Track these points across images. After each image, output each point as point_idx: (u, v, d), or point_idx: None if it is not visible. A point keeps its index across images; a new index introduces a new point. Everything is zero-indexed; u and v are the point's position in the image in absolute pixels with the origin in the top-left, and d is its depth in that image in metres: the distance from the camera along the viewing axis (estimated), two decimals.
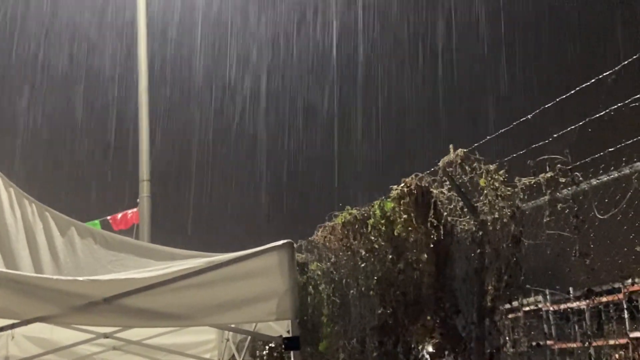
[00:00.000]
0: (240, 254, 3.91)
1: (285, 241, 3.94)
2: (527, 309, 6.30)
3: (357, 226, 6.58)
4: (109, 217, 14.02)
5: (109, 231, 13.65)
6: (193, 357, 6.45)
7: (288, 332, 4.12)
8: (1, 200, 4.88)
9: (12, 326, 3.78)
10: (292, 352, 4.05)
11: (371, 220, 6.27)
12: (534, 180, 4.70)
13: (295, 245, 8.26)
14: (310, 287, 7.95)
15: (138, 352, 6.77)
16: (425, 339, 5.65)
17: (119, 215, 13.96)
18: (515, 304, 5.19)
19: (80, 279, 3.71)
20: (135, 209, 13.35)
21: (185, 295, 3.73)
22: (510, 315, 5.27)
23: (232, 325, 4.64)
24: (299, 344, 3.97)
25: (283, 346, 4.06)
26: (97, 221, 13.94)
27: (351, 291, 6.90)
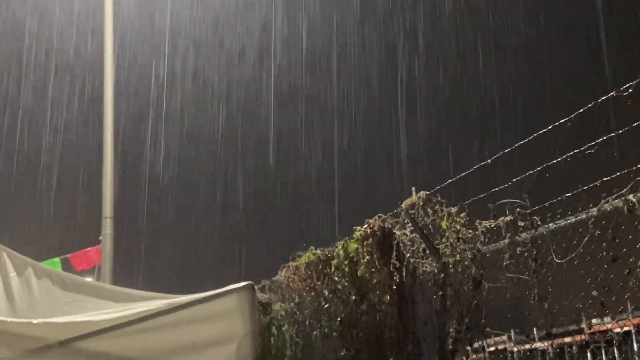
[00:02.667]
0: (199, 296, 3.86)
1: (245, 283, 3.91)
2: (492, 349, 6.33)
3: (320, 266, 6.57)
4: (69, 255, 13.75)
5: (70, 269, 13.52)
6: None
7: None
8: None
9: None
10: None
11: (335, 261, 6.28)
12: (494, 223, 4.76)
13: (257, 285, 8.22)
14: (274, 327, 7.89)
15: None
16: None
17: (81, 254, 13.70)
18: (478, 344, 5.22)
19: (35, 321, 3.63)
20: (97, 247, 13.14)
21: (143, 338, 3.67)
22: (474, 356, 5.28)
23: None
24: None
25: None
26: (57, 259, 13.66)
27: (314, 332, 6.85)
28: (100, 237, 12.90)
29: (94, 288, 4.68)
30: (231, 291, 3.87)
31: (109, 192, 13.07)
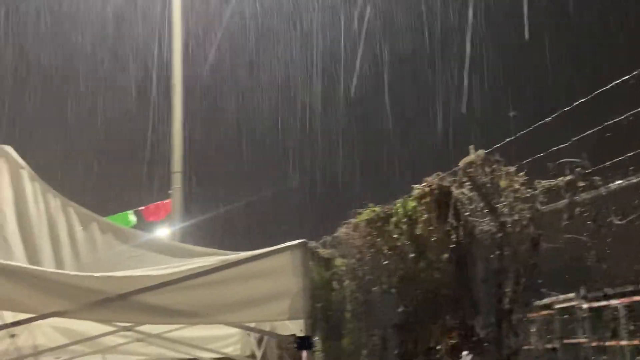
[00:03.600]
0: (253, 253, 3.93)
1: (299, 241, 3.95)
2: (560, 305, 6.23)
3: (379, 224, 6.59)
4: (141, 208, 14.21)
5: (142, 221, 13.96)
6: (213, 351, 6.52)
7: (302, 330, 4.14)
8: (26, 194, 4.99)
9: (29, 320, 3.89)
10: (304, 352, 4.08)
11: (394, 219, 6.29)
12: (553, 183, 4.66)
13: (319, 241, 8.31)
14: (335, 282, 8.00)
15: (161, 345, 6.87)
16: (444, 338, 5.64)
17: (152, 207, 14.14)
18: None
19: (96, 275, 3.78)
20: (167, 200, 13.53)
21: (198, 293, 3.77)
22: (543, 313, 5.23)
23: (247, 324, 4.69)
24: (311, 344, 3.99)
25: (295, 345, 4.09)
26: (130, 211, 14.15)
27: (374, 288, 6.92)
28: (170, 191, 13.28)
29: (155, 243, 4.84)
30: (285, 248, 3.92)
31: (178, 148, 13.40)
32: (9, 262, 3.87)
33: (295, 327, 4.49)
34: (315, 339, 8.66)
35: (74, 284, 3.68)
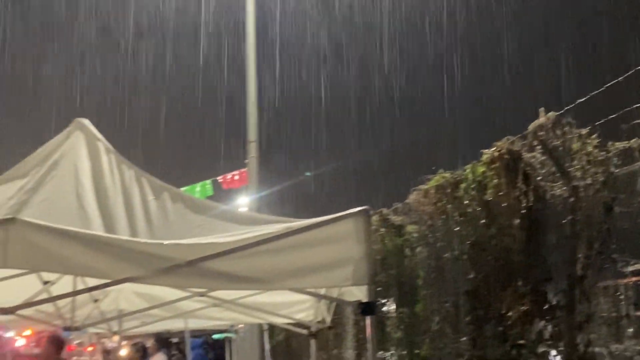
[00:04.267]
0: (316, 221, 4.00)
1: (361, 208, 3.99)
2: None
3: (449, 190, 6.52)
4: (219, 178, 14.52)
5: (219, 190, 14.26)
6: (285, 317, 6.66)
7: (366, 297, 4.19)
8: (102, 165, 5.20)
9: (105, 286, 4.08)
10: (367, 317, 4.14)
11: (463, 185, 6.20)
12: (627, 145, 4.49)
13: (390, 208, 8.28)
14: (407, 249, 7.98)
15: (236, 310, 7.08)
16: (516, 305, 5.57)
17: (229, 176, 14.43)
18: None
19: (166, 242, 3.93)
20: (244, 170, 13.78)
21: (263, 259, 3.86)
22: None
23: (315, 291, 4.78)
24: (374, 309, 4.04)
25: (360, 311, 4.14)
26: (208, 181, 14.48)
27: (445, 255, 6.86)
28: (246, 160, 13.52)
29: (222, 212, 4.95)
30: (347, 216, 3.96)
31: (253, 118, 13.58)
32: (85, 231, 4.07)
33: (362, 294, 4.54)
34: (391, 306, 8.72)
35: (146, 251, 3.83)
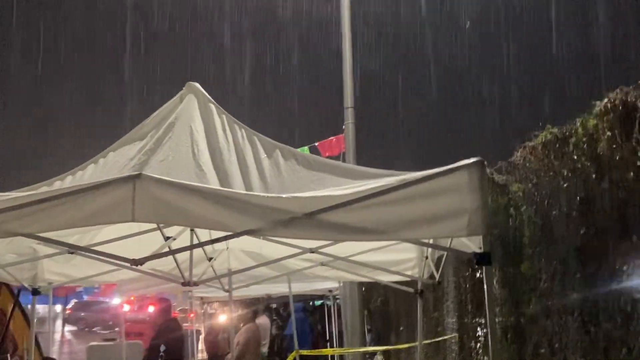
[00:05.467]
0: (430, 172, 4.01)
1: (475, 159, 3.97)
2: None
3: (558, 145, 6.38)
4: (316, 144, 14.66)
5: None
6: (396, 273, 6.72)
7: (480, 248, 4.20)
8: (215, 126, 5.38)
9: (226, 238, 4.24)
10: (483, 268, 4.15)
11: (573, 139, 6.06)
12: None
13: (494, 167, 8.17)
14: (512, 208, 7.88)
15: (344, 269, 7.20)
16: (631, 259, 5.43)
17: (326, 142, 14.55)
18: None
19: (284, 195, 4.05)
20: (341, 135, 13.85)
21: (379, 211, 3.92)
22: None
23: (427, 241, 4.81)
24: (490, 260, 4.04)
25: (475, 262, 4.15)
26: (306, 147, 14.64)
27: (553, 212, 6.75)
28: (344, 126, 13.58)
29: (335, 167, 5.04)
30: (461, 167, 3.96)
31: (349, 84, 13.60)
32: (206, 185, 4.24)
33: (474, 247, 4.55)
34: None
35: (264, 204, 3.96)
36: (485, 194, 3.98)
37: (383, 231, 3.95)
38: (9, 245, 5.64)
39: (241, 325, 11.60)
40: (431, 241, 4.95)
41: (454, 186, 3.94)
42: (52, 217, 3.95)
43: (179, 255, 5.67)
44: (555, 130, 6.46)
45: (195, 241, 5.41)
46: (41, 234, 4.22)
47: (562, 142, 6.31)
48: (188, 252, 5.67)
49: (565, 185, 6.39)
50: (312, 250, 5.91)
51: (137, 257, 4.45)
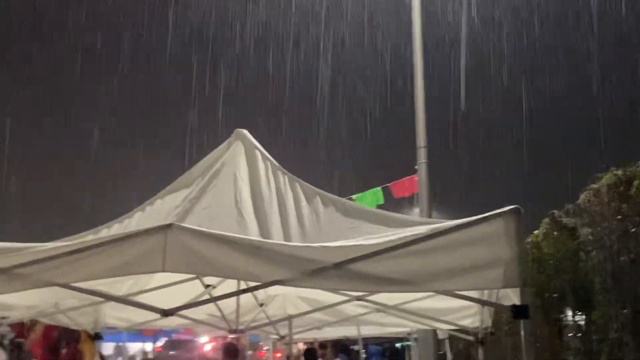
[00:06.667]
0: (465, 221, 3.85)
1: (511, 207, 3.79)
2: None
3: (622, 188, 6.05)
4: (389, 184, 14.50)
5: (390, 197, 14.26)
6: (450, 323, 6.49)
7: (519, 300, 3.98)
8: (259, 173, 5.39)
9: (255, 288, 4.19)
10: (521, 321, 3.92)
11: (637, 182, 5.73)
12: None
13: (561, 210, 7.81)
14: (582, 253, 7.51)
15: (400, 315, 7.00)
16: None
17: (399, 183, 14.37)
18: None
19: (313, 245, 3.97)
20: (413, 175, 13.64)
21: (409, 261, 3.78)
22: None
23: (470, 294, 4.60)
24: (528, 313, 3.82)
25: (512, 315, 3.93)
26: (378, 188, 14.51)
27: (622, 258, 6.38)
28: (416, 166, 13.38)
29: (372, 214, 4.93)
30: (497, 215, 3.79)
31: (421, 124, 13.43)
32: (236, 235, 4.22)
33: (517, 298, 4.32)
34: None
35: (294, 254, 3.89)
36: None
37: (413, 282, 3.80)
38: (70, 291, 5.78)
39: None
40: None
41: (488, 236, 3.77)
42: (85, 267, 4.02)
43: (225, 302, 5.66)
44: (619, 172, 6.13)
45: (242, 288, 5.39)
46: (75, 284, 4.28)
47: (627, 185, 5.98)
48: (234, 299, 5.66)
49: (633, 229, 6.04)
50: (359, 298, 5.79)
51: (177, 305, 4.46)
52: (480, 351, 6.85)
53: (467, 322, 6.64)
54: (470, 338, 6.89)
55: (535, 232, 9.53)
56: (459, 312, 6.63)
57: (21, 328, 10.25)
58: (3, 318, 6.48)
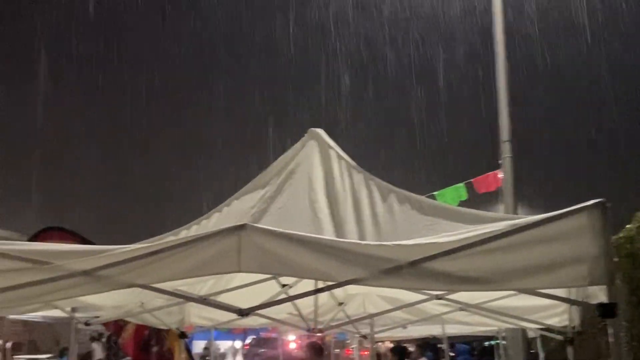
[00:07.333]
0: (544, 216, 3.69)
1: (596, 200, 3.60)
2: None
3: None
4: (472, 180, 14.20)
5: (473, 193, 13.96)
6: (536, 322, 6.28)
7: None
8: (333, 172, 5.36)
9: (330, 287, 4.15)
10: (609, 320, 3.73)
11: None
12: None
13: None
14: None
15: (484, 314, 6.82)
16: None
17: (482, 178, 14.05)
18: None
19: (388, 244, 3.90)
20: (497, 170, 13.31)
21: (486, 259, 3.66)
22: None
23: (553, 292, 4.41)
24: (614, 312, 3.62)
25: (599, 314, 3.73)
26: (461, 184, 14.24)
27: None
28: (500, 161, 13.04)
29: (448, 211, 4.81)
30: (581, 209, 3.61)
31: (505, 117, 13.08)
32: (310, 235, 4.19)
33: (602, 297, 4.11)
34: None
35: (368, 253, 3.84)
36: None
37: (491, 281, 3.66)
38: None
39: None
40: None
41: (572, 231, 3.60)
42: (164, 268, 4.08)
43: (304, 302, 5.66)
44: None
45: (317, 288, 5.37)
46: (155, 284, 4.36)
47: None
48: (312, 299, 5.65)
49: None
50: (438, 297, 5.66)
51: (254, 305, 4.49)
52: (570, 351, 6.59)
53: (555, 321, 6.40)
54: (559, 337, 6.64)
55: (629, 226, 9.13)
56: (545, 311, 6.40)
57: (117, 327, 10.59)
58: (96, 317, 6.70)
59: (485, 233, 3.72)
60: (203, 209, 5.77)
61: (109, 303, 6.06)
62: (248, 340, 46.21)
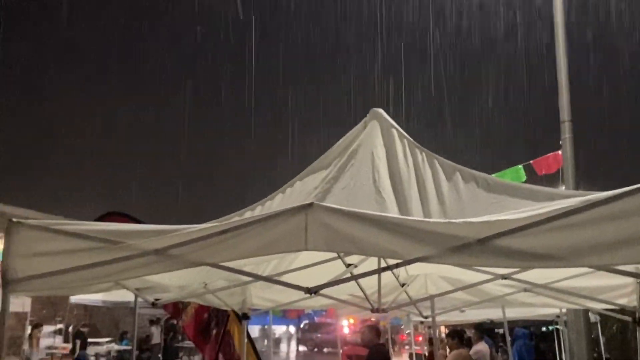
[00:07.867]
0: (618, 191, 3.60)
1: None
2: None
3: None
4: (531, 162, 13.99)
5: (533, 175, 13.74)
6: (604, 302, 6.15)
7: None
8: (396, 151, 5.32)
9: (396, 266, 4.14)
10: None
11: None
12: None
13: None
14: None
15: (549, 295, 6.73)
16: None
17: (542, 159, 13.82)
18: None
19: (455, 221, 3.86)
20: (557, 151, 13.08)
21: (559, 235, 3.59)
22: None
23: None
24: None
25: None
26: (520, 166, 14.04)
27: None
28: (560, 142, 12.80)
29: (516, 188, 4.74)
30: None
31: (566, 96, 12.81)
32: (376, 213, 4.19)
33: None
34: None
35: (436, 231, 3.81)
36: None
37: (563, 257, 3.60)
38: (219, 272, 6.00)
39: (448, 351, 11.27)
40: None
41: None
42: (232, 247, 4.13)
43: (366, 282, 5.66)
44: None
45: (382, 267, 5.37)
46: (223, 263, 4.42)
47: None
48: (375, 279, 5.64)
49: None
50: (504, 277, 5.60)
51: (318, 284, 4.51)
52: (639, 332, 6.44)
53: (624, 302, 6.26)
54: (627, 318, 6.50)
55: None
56: (613, 291, 6.28)
57: (175, 309, 10.78)
58: (157, 300, 6.83)
59: (558, 209, 3.66)
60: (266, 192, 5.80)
61: (175, 282, 6.17)
62: (302, 326, 46.72)
